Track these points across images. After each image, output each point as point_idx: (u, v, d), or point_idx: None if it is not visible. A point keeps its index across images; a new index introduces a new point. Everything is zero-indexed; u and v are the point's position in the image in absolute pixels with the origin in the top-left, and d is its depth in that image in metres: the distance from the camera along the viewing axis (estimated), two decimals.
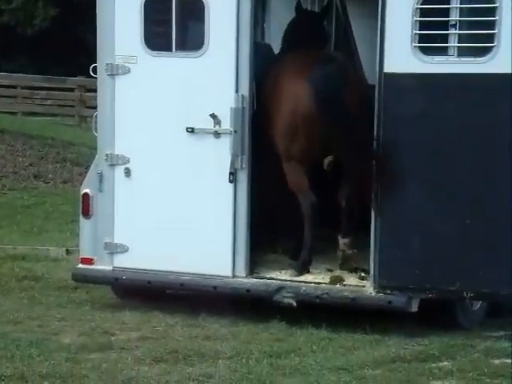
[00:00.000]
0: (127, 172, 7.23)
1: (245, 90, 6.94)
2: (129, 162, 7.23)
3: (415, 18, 6.45)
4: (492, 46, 6.32)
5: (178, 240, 6.65)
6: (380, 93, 6.55)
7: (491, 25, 6.31)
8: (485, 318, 7.16)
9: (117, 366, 5.76)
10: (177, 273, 7.03)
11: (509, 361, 6.02)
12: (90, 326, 6.73)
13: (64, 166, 15.44)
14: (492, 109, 6.35)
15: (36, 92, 22.25)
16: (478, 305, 7.06)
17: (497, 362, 6.02)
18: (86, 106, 21.33)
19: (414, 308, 6.58)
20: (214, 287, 6.92)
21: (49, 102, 22.14)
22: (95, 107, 7.52)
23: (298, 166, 6.92)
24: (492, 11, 6.31)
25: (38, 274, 8.70)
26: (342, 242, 7.00)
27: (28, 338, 6.34)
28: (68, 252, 9.64)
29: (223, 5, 6.93)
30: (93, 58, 7.42)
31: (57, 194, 13.86)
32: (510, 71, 6.26)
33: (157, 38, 7.17)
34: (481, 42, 6.40)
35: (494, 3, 6.31)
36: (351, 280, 6.92)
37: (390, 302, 6.57)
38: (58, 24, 26.85)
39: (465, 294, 6.47)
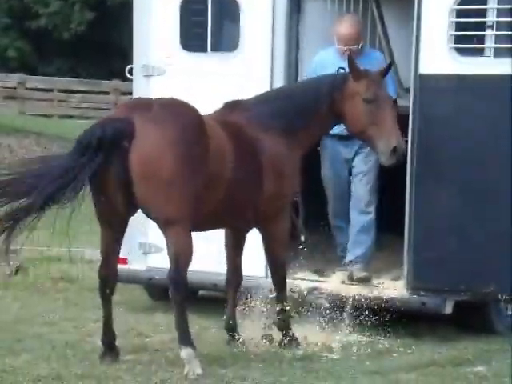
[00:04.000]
0: None
1: None
2: None
3: (451, 19, 6.42)
4: None
5: (212, 240, 6.64)
6: (415, 94, 6.52)
7: None
8: None
9: (151, 367, 5.77)
10: (210, 273, 7.03)
11: None
12: (125, 327, 6.75)
13: None
14: None
15: (72, 95, 22.46)
16: None
17: None
18: None
19: (448, 310, 6.54)
20: (247, 287, 6.91)
21: (84, 105, 22.34)
22: None
23: None
24: None
25: (73, 275, 8.76)
26: None
27: (63, 339, 6.37)
28: None
29: (258, 6, 6.96)
30: (128, 61, 7.48)
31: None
32: None
33: (192, 39, 7.22)
34: None
35: None
36: (384, 281, 6.90)
37: (423, 304, 6.54)
38: (93, 28, 27.07)
39: (500, 297, 6.42)
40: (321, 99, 6.28)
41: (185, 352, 5.68)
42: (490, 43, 6.41)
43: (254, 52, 7.01)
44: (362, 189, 7.02)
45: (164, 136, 5.61)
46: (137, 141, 5.57)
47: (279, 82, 6.97)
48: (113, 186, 5.68)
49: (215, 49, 7.15)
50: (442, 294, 6.52)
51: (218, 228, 6.40)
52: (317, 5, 8.56)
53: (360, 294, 6.72)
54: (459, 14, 6.41)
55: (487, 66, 6.39)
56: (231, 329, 6.50)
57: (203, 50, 7.16)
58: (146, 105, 5.80)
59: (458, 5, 6.41)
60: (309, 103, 6.29)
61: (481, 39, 6.45)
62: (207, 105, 7.07)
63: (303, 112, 6.27)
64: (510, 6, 6.39)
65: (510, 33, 6.41)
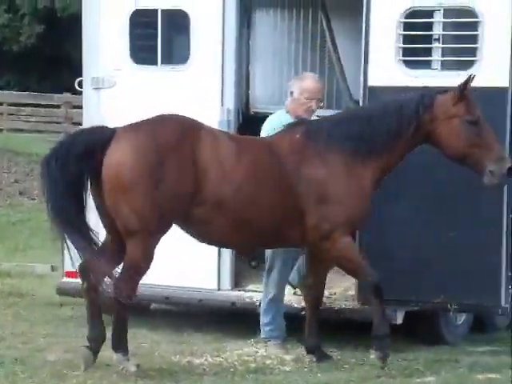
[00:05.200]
0: None
1: (230, 103, 6.98)
2: None
3: (399, 32, 6.50)
4: (474, 60, 6.39)
5: (164, 253, 6.62)
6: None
7: (473, 39, 6.37)
8: (469, 332, 7.17)
9: (102, 382, 5.70)
10: (162, 286, 7.00)
11: (493, 375, 6.01)
12: (76, 343, 6.69)
13: None
14: None
15: (22, 109, 22.23)
16: (462, 319, 7.07)
17: (481, 377, 6.00)
18: (72, 123, 21.30)
19: (399, 320, 6.59)
20: (199, 300, 6.90)
21: (34, 118, 22.13)
22: (81, 124, 7.52)
23: None
24: (474, 25, 6.37)
25: (22, 290, 8.66)
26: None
27: (12, 355, 6.27)
28: (53, 269, 9.59)
29: (208, 19, 6.97)
30: (78, 74, 7.43)
31: (42, 210, 13.80)
32: (492, 85, 6.32)
33: (142, 51, 7.21)
34: (464, 55, 6.45)
35: (477, 17, 6.37)
36: (336, 292, 6.93)
37: None
38: (43, 41, 26.88)
39: (449, 306, 6.48)
40: (405, 121, 5.93)
41: (116, 356, 5.87)
42: (436, 56, 6.51)
43: (205, 65, 7.01)
44: None
45: (130, 145, 5.66)
46: (109, 149, 5.66)
47: (230, 94, 6.98)
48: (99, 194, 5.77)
49: (166, 62, 7.14)
50: (393, 304, 6.56)
51: (261, 248, 6.34)
52: (266, 19, 8.63)
53: None
54: (407, 26, 6.49)
55: (434, 78, 6.46)
56: (313, 347, 6.33)
57: (153, 62, 7.15)
58: (148, 119, 5.86)
59: (405, 18, 6.50)
60: (390, 126, 5.94)
61: (428, 52, 6.53)
62: None
63: (382, 135, 5.94)
64: (455, 20, 6.51)
65: (456, 46, 6.52)
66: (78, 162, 5.67)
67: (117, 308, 5.81)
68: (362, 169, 5.99)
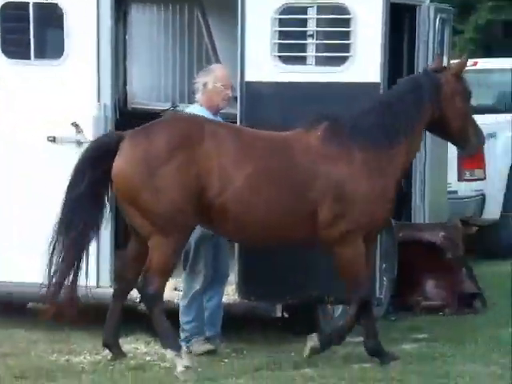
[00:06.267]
0: None
1: (107, 98, 6.91)
2: None
3: (274, 28, 6.56)
4: (347, 56, 6.51)
5: (41, 250, 6.51)
6: (242, 101, 6.63)
7: (346, 35, 6.49)
8: None
9: None
10: (39, 284, 6.87)
11: (367, 365, 6.15)
12: None
13: None
14: None
15: None
16: (338, 311, 7.20)
17: (356, 366, 6.13)
18: None
19: (278, 313, 6.66)
20: (78, 297, 6.79)
21: None
22: None
23: None
24: (347, 22, 6.48)
25: None
26: None
27: None
28: None
29: (83, 13, 6.87)
30: None
31: None
32: (365, 80, 6.45)
33: (15, 45, 7.04)
34: (337, 51, 6.56)
35: (349, 14, 6.49)
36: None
37: (253, 308, 6.60)
38: None
39: (326, 298, 6.57)
40: (423, 104, 5.89)
41: (169, 353, 5.93)
42: (311, 52, 6.60)
43: (80, 59, 6.90)
44: None
45: (130, 153, 5.82)
46: (117, 155, 5.83)
47: (106, 89, 6.89)
48: None
49: (39, 56, 7.00)
50: (271, 298, 6.62)
51: (270, 243, 6.18)
52: (142, 14, 8.58)
53: None
54: (281, 23, 6.55)
55: (309, 73, 6.55)
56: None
57: (26, 57, 6.99)
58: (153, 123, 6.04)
59: (280, 14, 6.56)
60: (410, 111, 5.86)
61: (303, 48, 6.62)
62: (30, 114, 6.96)
63: (404, 122, 5.86)
64: (328, 16, 6.61)
65: (329, 42, 6.62)
66: (91, 168, 5.89)
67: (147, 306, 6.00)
68: (380, 166, 5.86)
